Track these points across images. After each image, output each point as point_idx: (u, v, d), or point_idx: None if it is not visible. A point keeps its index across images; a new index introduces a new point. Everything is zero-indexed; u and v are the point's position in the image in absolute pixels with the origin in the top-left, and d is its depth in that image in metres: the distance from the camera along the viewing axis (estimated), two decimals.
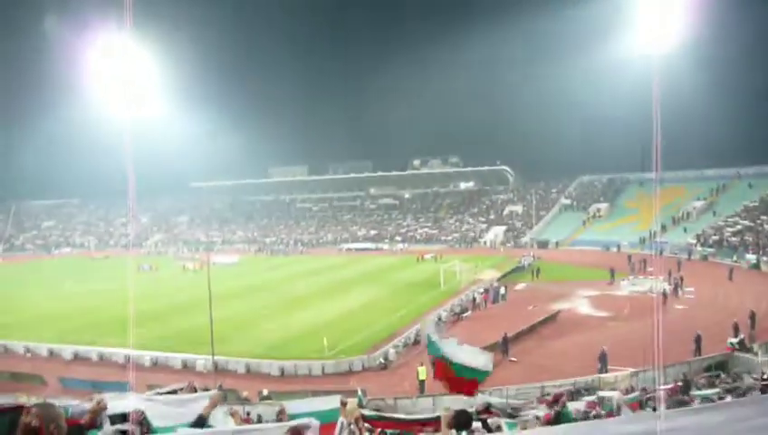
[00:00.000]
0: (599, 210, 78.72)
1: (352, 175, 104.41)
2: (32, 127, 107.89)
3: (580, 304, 38.85)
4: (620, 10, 53.03)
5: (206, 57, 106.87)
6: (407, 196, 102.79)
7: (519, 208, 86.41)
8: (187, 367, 27.75)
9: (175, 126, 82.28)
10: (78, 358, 30.14)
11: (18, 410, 2.67)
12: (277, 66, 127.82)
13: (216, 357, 26.39)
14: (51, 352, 30.97)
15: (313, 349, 28.68)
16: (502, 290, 41.81)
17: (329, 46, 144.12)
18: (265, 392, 22.39)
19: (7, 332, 34.11)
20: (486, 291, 41.28)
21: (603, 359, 23.81)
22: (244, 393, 22.51)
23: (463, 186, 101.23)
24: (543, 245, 70.56)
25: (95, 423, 4.43)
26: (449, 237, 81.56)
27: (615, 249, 61.94)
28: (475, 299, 39.26)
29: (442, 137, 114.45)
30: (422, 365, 23.48)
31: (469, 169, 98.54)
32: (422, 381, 22.88)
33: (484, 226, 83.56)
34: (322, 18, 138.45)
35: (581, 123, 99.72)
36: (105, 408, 4.54)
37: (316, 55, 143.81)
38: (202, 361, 27.35)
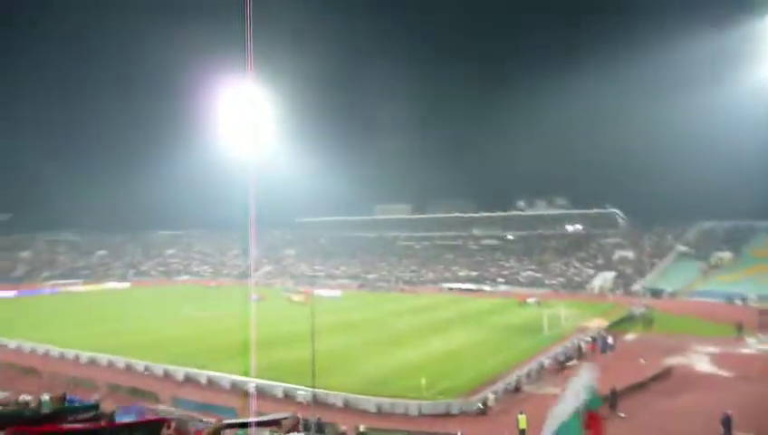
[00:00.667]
0: (721, 259, 73.02)
1: (456, 214, 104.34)
2: (160, 164, 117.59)
3: (699, 360, 35.88)
4: (748, 41, 49.91)
5: (317, 100, 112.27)
6: (510, 237, 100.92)
7: (630, 254, 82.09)
8: (288, 397, 28.49)
9: (287, 164, 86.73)
10: (189, 380, 31.88)
11: (160, 422, 2.99)
12: (385, 109, 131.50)
13: (316, 390, 26.95)
14: (165, 373, 33.00)
15: (411, 387, 28.52)
16: (610, 340, 39.58)
17: (434, 89, 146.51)
18: (362, 429, 22.50)
19: (132, 351, 36.85)
20: (594, 340, 39.27)
21: (727, 423, 21.71)
22: (342, 428, 22.75)
23: (570, 228, 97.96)
24: (657, 294, 66.32)
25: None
26: (554, 281, 78.80)
27: (740, 302, 56.96)
28: (580, 347, 37.45)
29: (549, 177, 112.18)
30: (522, 414, 22.69)
31: (577, 211, 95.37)
32: (522, 431, 22.06)
33: (591, 271, 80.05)
34: (428, 62, 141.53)
35: (702, 164, 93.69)
36: (224, 426, 4.88)
37: (423, 97, 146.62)
38: (302, 392, 28.02)
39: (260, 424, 6.25)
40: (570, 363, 34.82)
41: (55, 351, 38.48)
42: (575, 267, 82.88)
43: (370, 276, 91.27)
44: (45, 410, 4.66)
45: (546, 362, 34.17)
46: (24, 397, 20.42)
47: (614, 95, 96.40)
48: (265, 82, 70.16)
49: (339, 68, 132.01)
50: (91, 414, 3.80)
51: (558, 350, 37.10)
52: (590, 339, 39.42)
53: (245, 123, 61.29)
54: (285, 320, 48.90)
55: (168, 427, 2.85)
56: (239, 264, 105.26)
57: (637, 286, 70.19)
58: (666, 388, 29.54)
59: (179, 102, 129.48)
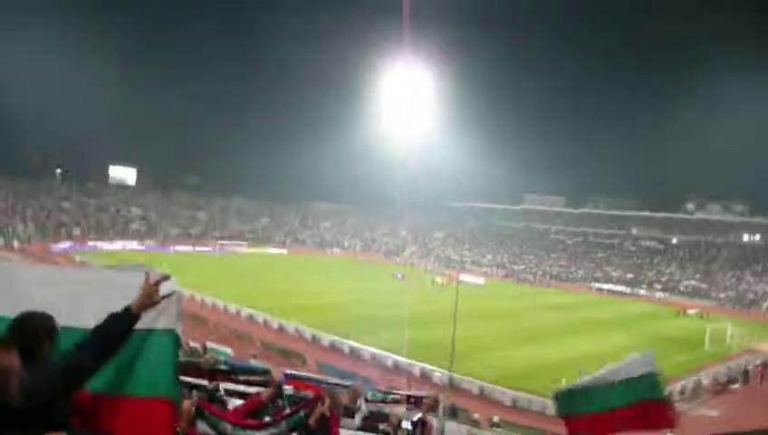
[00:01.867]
0: None
1: (613, 211, 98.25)
2: (321, 140, 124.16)
3: None
4: None
5: (476, 82, 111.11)
6: (674, 241, 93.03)
7: None
8: (424, 376, 29.05)
9: (442, 146, 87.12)
10: (333, 347, 33.68)
11: (314, 401, 3.20)
12: (548, 94, 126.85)
13: (452, 373, 27.18)
14: (313, 337, 35.18)
15: (549, 386, 27.64)
16: None
17: (604, 75, 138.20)
18: (496, 419, 22.34)
19: (284, 312, 39.75)
20: (765, 365, 35.21)
21: None
22: (475, 415, 22.76)
23: (747, 238, 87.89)
24: None
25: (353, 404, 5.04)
26: (721, 295, 71.46)
27: None
28: (747, 371, 33.77)
29: (726, 180, 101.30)
30: (671, 433, 21.09)
31: (758, 219, 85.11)
32: None
33: None
34: (604, 46, 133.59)
35: None
36: (361, 394, 5.14)
37: (587, 86, 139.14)
38: (438, 374, 28.42)
39: (401, 400, 6.47)
40: (732, 387, 31.64)
41: (220, 304, 42.65)
42: (748, 282, 74.44)
43: (517, 267, 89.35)
44: (221, 365, 5.21)
45: (705, 380, 31.34)
46: (193, 343, 22.93)
47: None
48: (426, 62, 70.95)
49: (505, 54, 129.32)
50: (262, 378, 4.20)
51: (720, 369, 33.78)
52: (759, 363, 35.42)
53: (406, 104, 62.54)
54: (427, 301, 49.56)
55: (323, 403, 3.08)
56: (387, 241, 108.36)
57: None
58: None
59: (343, 82, 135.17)
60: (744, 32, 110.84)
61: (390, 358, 30.74)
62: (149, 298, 2.70)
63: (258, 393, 3.37)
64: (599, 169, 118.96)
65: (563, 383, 27.19)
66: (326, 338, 34.51)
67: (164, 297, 2.80)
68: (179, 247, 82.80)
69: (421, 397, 6.28)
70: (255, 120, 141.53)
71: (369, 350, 31.99)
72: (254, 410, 3.25)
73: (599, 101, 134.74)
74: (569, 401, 6.67)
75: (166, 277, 2.85)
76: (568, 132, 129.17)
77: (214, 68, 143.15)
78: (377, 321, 36.45)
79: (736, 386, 31.85)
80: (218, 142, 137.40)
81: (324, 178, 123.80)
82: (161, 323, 3.11)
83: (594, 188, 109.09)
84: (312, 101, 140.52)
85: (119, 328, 2.59)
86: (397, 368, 29.97)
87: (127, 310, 2.63)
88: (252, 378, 4.59)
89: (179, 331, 3.20)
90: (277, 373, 3.25)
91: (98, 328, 2.58)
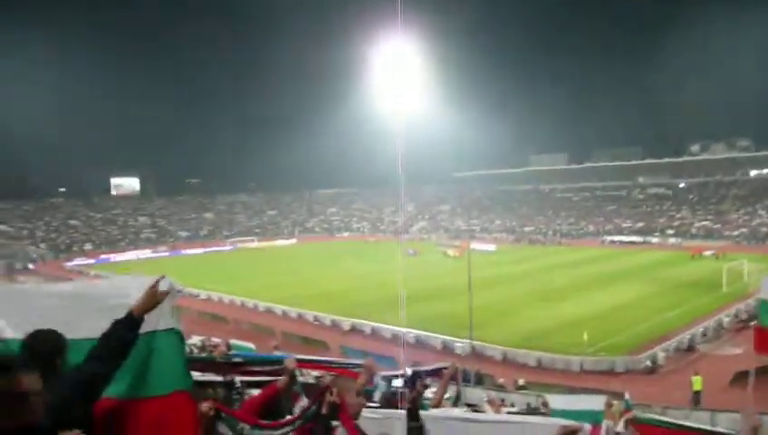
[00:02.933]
0: None
1: (617, 163, 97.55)
2: (321, 126, 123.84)
3: None
4: None
5: (470, 49, 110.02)
6: (682, 185, 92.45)
7: None
8: (446, 348, 29.24)
9: (440, 118, 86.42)
10: (354, 330, 33.95)
11: (323, 392, 3.21)
12: (538, 50, 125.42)
13: (474, 342, 27.35)
14: (333, 323, 35.45)
15: (572, 343, 27.84)
16: None
17: (593, 23, 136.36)
18: (521, 382, 22.51)
19: (302, 301, 40.03)
20: None
21: None
22: (500, 380, 22.97)
23: (754, 173, 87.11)
24: None
25: (370, 382, 5.05)
26: (735, 233, 71.17)
27: None
28: None
29: (728, 116, 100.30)
30: (697, 374, 21.20)
31: (764, 153, 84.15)
32: (697, 393, 20.65)
33: None
34: (581, 5, 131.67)
35: None
36: (374, 371, 5.12)
37: (579, 35, 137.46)
38: (460, 344, 28.62)
39: (423, 374, 6.47)
40: (753, 323, 31.62)
41: (237, 301, 43.00)
42: (761, 216, 74.04)
43: (527, 229, 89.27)
44: (236, 358, 5.25)
45: (725, 320, 31.39)
46: (215, 340, 23.19)
47: None
48: (419, 33, 70.02)
49: (494, 16, 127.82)
50: (277, 367, 4.21)
51: (740, 307, 33.77)
52: None
53: (400, 78, 61.78)
54: (441, 274, 49.74)
55: (331, 393, 3.09)
56: (396, 220, 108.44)
57: None
58: None
59: (335, 62, 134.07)
60: None
61: (411, 333, 30.94)
62: (149, 300, 2.74)
63: (273, 382, 3.40)
64: (598, 121, 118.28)
65: (585, 339, 27.42)
66: (346, 322, 34.76)
67: (162, 294, 2.82)
68: (190, 250, 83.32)
69: (440, 368, 6.30)
70: (250, 113, 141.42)
71: (389, 328, 32.17)
72: (270, 400, 3.28)
73: (591, 54, 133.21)
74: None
75: (161, 278, 2.88)
76: (563, 89, 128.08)
77: (203, 68, 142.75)
78: (394, 299, 36.56)
79: (756, 322, 31.84)
80: (215, 141, 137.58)
81: (326, 164, 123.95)
82: (162, 324, 3.15)
83: (596, 142, 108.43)
84: (305, 86, 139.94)
85: (125, 333, 2.64)
86: (419, 343, 30.16)
87: (130, 314, 2.68)
88: (267, 368, 4.62)
89: (180, 326, 3.23)
90: (290, 361, 3.26)
91: (105, 336, 2.63)
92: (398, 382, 2.96)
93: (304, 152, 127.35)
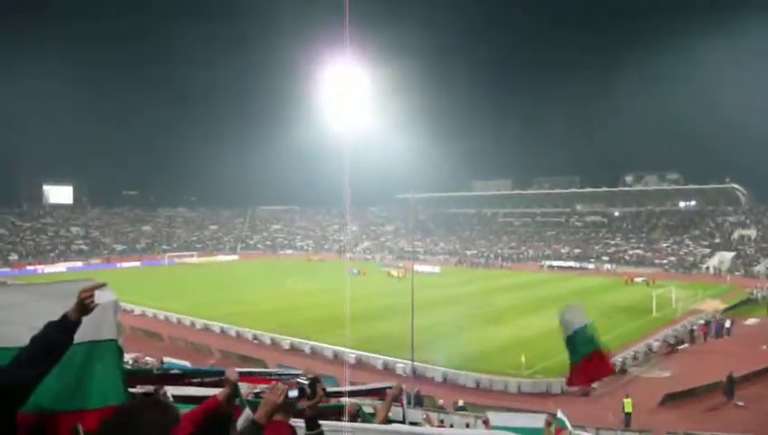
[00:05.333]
0: None
1: (558, 190, 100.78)
2: (265, 141, 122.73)
3: None
4: None
5: (418, 73, 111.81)
6: (617, 214, 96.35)
7: (752, 233, 75.88)
8: (387, 368, 29.15)
9: (386, 139, 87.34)
10: (294, 349, 33.38)
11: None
12: (484, 82, 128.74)
13: (414, 363, 27.35)
14: (272, 341, 34.76)
15: (510, 365, 28.27)
16: (727, 323, 37.02)
17: (535, 61, 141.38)
18: (461, 403, 22.62)
19: (240, 319, 39.13)
20: (707, 323, 36.92)
21: None
22: (440, 401, 23.01)
23: (683, 205, 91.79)
24: None
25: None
26: (664, 261, 74.53)
27: None
28: (692, 331, 35.35)
29: (660, 151, 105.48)
30: (628, 397, 21.89)
31: (691, 186, 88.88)
32: (628, 414, 21.31)
33: (707, 250, 74.88)
34: (528, 33, 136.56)
35: None
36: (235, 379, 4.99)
37: (522, 70, 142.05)
38: (401, 364, 28.56)
39: (362, 393, 6.40)
40: (681, 347, 33.05)
41: (173, 317, 41.64)
42: (688, 246, 77.88)
43: (469, 253, 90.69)
44: (174, 370, 5.05)
45: (655, 344, 32.64)
46: (149, 359, 22.30)
47: (733, 63, 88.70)
48: (367, 55, 70.87)
49: (443, 41, 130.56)
50: (217, 379, 4.08)
51: (668, 332, 35.27)
52: (702, 322, 37.14)
53: (347, 98, 62.07)
54: (384, 294, 49.75)
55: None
56: (340, 239, 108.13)
57: (760, 267, 64.93)
58: None
59: (282, 81, 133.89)
60: (669, 12, 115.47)
61: (352, 354, 30.69)
62: (85, 304, 2.58)
63: (214, 395, 3.26)
64: (540, 151, 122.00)
65: (523, 361, 27.90)
66: (286, 341, 34.15)
67: (89, 295, 2.69)
68: (126, 263, 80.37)
69: (384, 388, 6.24)
70: (193, 129, 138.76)
71: (330, 348, 31.84)
72: (210, 412, 3.15)
73: (538, 83, 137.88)
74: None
75: (101, 284, 2.74)
76: (509, 117, 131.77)
77: (145, 80, 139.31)
78: (335, 319, 36.33)
79: (684, 346, 33.29)
80: (155, 155, 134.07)
81: (270, 180, 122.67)
82: (102, 335, 3.02)
83: (538, 170, 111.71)
84: (250, 104, 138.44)
85: (56, 335, 2.47)
86: (360, 363, 29.95)
87: (64, 317, 2.51)
88: (206, 380, 4.46)
89: (120, 340, 3.11)
90: (232, 372, 3.11)
91: (35, 338, 2.45)
92: (293, 393, 2.90)
93: (248, 168, 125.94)
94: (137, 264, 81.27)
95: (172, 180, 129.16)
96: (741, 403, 23.55)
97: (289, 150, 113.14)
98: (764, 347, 32.28)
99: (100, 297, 2.77)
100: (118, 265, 79.26)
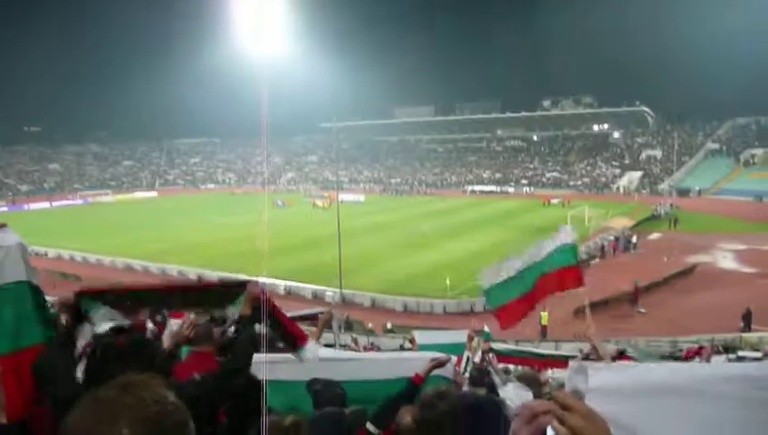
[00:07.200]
0: (753, 156, 71.29)
1: (479, 116, 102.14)
2: (178, 71, 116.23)
3: (723, 257, 35.97)
4: None
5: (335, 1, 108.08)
6: (535, 138, 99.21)
7: (658, 153, 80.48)
8: (316, 297, 29.54)
9: (306, 69, 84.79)
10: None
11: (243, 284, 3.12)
12: (405, 6, 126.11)
13: (343, 290, 27.83)
14: (199, 278, 34.21)
15: (436, 288, 29.30)
16: (634, 239, 39.73)
17: None
18: (389, 326, 23.41)
19: (164, 256, 38.17)
20: (616, 239, 39.46)
21: (748, 318, 21.97)
22: (370, 325, 23.72)
23: (596, 128, 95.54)
24: (684, 193, 65.56)
25: None
26: (579, 182, 78.17)
27: None
28: (603, 247, 37.73)
29: (575, 75, 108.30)
30: (545, 311, 23.28)
31: (604, 109, 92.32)
32: (544, 327, 22.77)
33: (617, 171, 79.03)
34: None
35: (735, 58, 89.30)
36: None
37: None
38: (330, 293, 29.01)
39: (295, 319, 6.41)
40: (592, 262, 35.25)
41: (92, 258, 40.04)
42: (600, 168, 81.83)
43: (393, 180, 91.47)
44: None
45: None
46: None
47: None
48: None
49: None
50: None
51: (581, 249, 37.40)
52: (612, 238, 39.61)
53: (265, 22, 59.17)
54: (310, 224, 49.74)
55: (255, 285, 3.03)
56: (263, 171, 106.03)
57: (664, 186, 69.39)
58: (688, 285, 29.87)
59: (197, 4, 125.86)
60: None
61: (281, 284, 30.81)
62: None
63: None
64: (461, 77, 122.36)
65: (447, 283, 28.90)
66: (213, 275, 33.70)
67: None
68: (35, 205, 75.74)
69: (315, 314, 6.31)
70: (97, 56, 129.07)
71: (257, 280, 31.68)
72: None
73: (459, 10, 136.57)
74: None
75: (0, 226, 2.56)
76: (431, 43, 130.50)
77: (45, 6, 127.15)
78: (262, 251, 36.10)
79: (596, 261, 35.56)
80: (57, 87, 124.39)
81: (187, 112, 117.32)
82: (9, 277, 2.84)
83: (459, 96, 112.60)
84: (161, 31, 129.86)
85: None
86: (289, 293, 30.15)
87: None
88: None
89: (36, 281, 2.94)
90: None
91: None
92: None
93: (162, 100, 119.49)
94: (46, 205, 76.72)
95: (78, 115, 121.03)
96: (643, 310, 25.68)
97: (205, 80, 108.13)
98: (665, 259, 34.99)
99: (1, 239, 2.61)
100: (25, 206, 74.58)
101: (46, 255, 40.35)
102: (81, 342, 2.55)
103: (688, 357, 14.36)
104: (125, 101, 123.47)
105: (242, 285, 3.08)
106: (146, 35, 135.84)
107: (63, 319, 2.69)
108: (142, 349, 2.44)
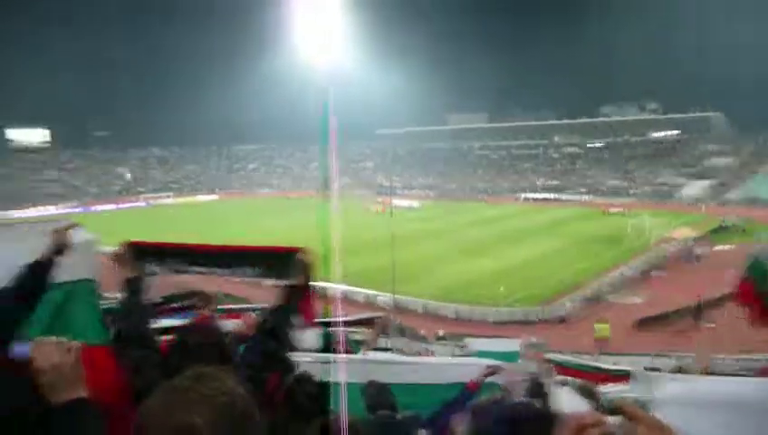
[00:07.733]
0: None
1: (534, 122, 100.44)
2: (239, 79, 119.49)
3: None
4: None
5: (399, 7, 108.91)
6: (595, 144, 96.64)
7: (728, 161, 76.89)
8: (369, 302, 29.62)
9: (365, 75, 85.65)
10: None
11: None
12: (468, 11, 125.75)
13: (395, 296, 27.84)
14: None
15: (489, 295, 28.91)
16: (698, 250, 38.10)
17: None
18: (441, 333, 23.23)
19: None
20: (680, 250, 37.96)
21: None
22: (422, 332, 23.60)
23: (659, 135, 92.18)
24: (754, 203, 62.39)
25: None
26: (640, 191, 75.63)
27: None
28: (666, 257, 36.35)
29: (639, 81, 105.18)
30: (600, 323, 22.62)
31: (669, 116, 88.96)
32: (604, 339, 22.11)
33: (682, 180, 76.03)
34: None
35: None
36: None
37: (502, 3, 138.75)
38: (383, 298, 29.06)
39: (352, 323, 6.49)
40: (654, 274, 34.02)
41: None
42: (664, 176, 78.96)
43: (447, 187, 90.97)
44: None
45: (629, 272, 33.52)
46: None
47: None
48: None
49: None
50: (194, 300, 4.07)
51: (642, 260, 36.17)
52: (675, 249, 38.15)
53: (325, 33, 60.14)
54: (364, 229, 49.97)
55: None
56: (318, 176, 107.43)
57: (732, 195, 66.30)
58: None
59: (259, 16, 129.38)
60: None
61: (335, 288, 31.00)
62: (57, 243, 2.55)
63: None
64: (517, 84, 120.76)
65: (501, 291, 28.48)
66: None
67: (62, 235, 2.65)
68: (102, 207, 79.27)
69: (372, 318, 6.34)
70: (162, 65, 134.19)
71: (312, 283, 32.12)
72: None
73: (518, 17, 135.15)
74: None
75: (73, 224, 2.70)
76: (487, 51, 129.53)
77: (114, 15, 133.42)
78: (317, 254, 36.48)
79: (657, 273, 34.27)
80: (125, 93, 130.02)
81: (245, 118, 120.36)
82: (78, 275, 2.97)
83: (514, 103, 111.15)
84: (223, 41, 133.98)
85: (31, 277, 2.43)
86: (342, 298, 30.32)
87: (38, 258, 2.49)
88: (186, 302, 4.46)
89: (98, 278, 3.08)
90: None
91: (15, 279, 2.42)
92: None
93: (223, 107, 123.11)
94: (113, 206, 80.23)
95: (143, 120, 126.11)
96: (711, 325, 24.54)
97: (263, 88, 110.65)
98: (733, 271, 33.25)
99: (74, 237, 2.73)
100: (92, 208, 78.21)
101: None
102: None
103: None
104: (188, 108, 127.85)
105: (294, 252, 3.19)
106: (208, 49, 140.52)
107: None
108: (216, 345, 2.55)
